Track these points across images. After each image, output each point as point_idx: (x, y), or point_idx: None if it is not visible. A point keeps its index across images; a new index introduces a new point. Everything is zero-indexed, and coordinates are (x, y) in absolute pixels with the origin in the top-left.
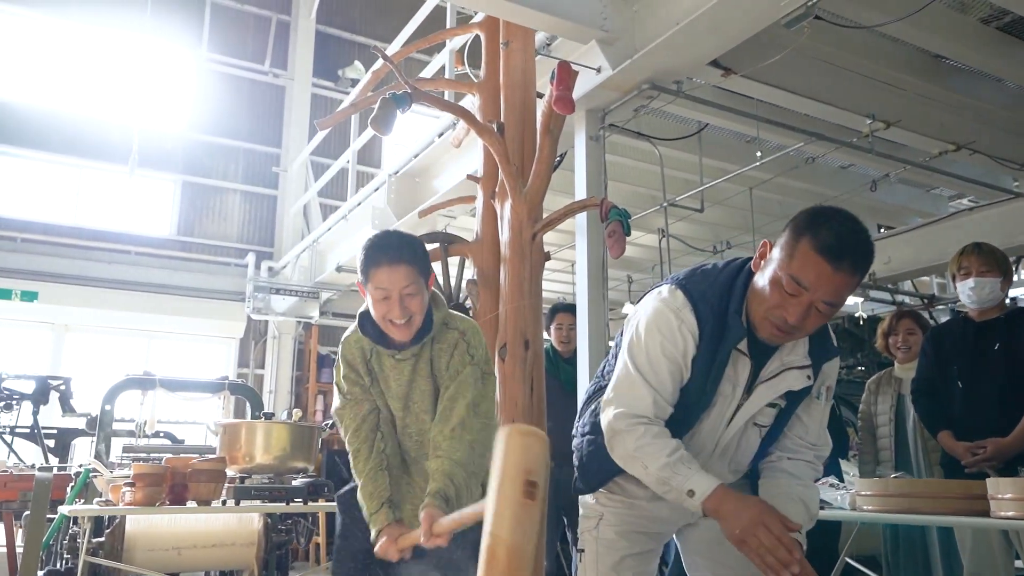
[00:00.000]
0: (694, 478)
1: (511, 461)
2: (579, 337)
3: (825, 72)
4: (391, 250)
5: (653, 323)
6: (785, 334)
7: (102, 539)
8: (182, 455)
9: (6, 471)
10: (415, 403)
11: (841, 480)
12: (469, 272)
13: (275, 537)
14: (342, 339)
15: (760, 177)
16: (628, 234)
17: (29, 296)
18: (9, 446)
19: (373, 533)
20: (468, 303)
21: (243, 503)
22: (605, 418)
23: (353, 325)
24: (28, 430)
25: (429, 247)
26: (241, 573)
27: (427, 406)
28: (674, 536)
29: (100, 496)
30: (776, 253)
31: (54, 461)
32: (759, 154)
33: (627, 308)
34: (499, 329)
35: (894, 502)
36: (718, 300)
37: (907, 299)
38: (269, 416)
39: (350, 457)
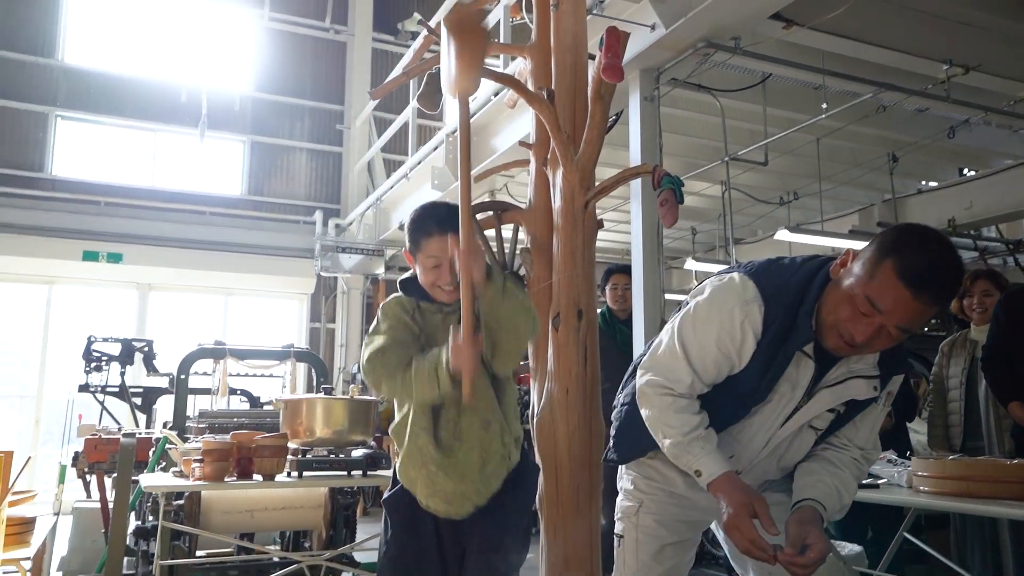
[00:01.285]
0: (704, 460)
1: None
2: (635, 303)
3: (896, 17)
4: (442, 220)
5: (715, 310)
6: (851, 349)
7: (181, 502)
8: (255, 419)
9: (95, 435)
10: None
11: (904, 452)
12: (523, 240)
13: (341, 499)
14: (380, 307)
15: (829, 126)
16: (681, 202)
17: (114, 258)
18: (101, 404)
19: (442, 373)
20: (523, 271)
21: (305, 475)
22: (638, 381)
23: (389, 297)
24: (117, 389)
25: (482, 216)
26: (311, 533)
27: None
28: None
29: (176, 466)
30: (856, 267)
31: (142, 418)
32: (824, 106)
33: (690, 263)
34: (552, 299)
35: (952, 484)
36: (791, 299)
37: (991, 245)
38: (329, 391)
39: (391, 391)
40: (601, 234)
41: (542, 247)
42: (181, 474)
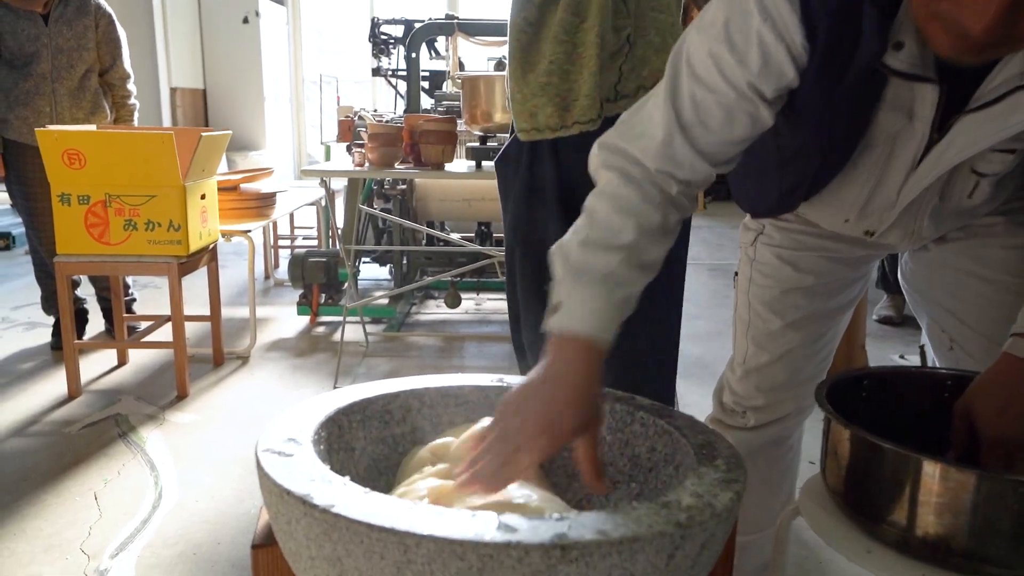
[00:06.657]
0: (575, 293)
1: None
2: None
3: None
4: None
5: (723, 16)
6: (968, 49)
7: (404, 186)
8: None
9: (348, 117)
10: None
11: None
12: None
13: None
14: None
15: None
16: None
17: None
18: (394, 88)
19: None
20: None
21: (484, 165)
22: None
23: None
24: (405, 72)
25: None
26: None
27: None
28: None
29: None
30: None
31: (428, 101)
32: None
33: None
34: None
35: None
36: None
37: None
38: None
39: None
40: None
41: None
42: None
